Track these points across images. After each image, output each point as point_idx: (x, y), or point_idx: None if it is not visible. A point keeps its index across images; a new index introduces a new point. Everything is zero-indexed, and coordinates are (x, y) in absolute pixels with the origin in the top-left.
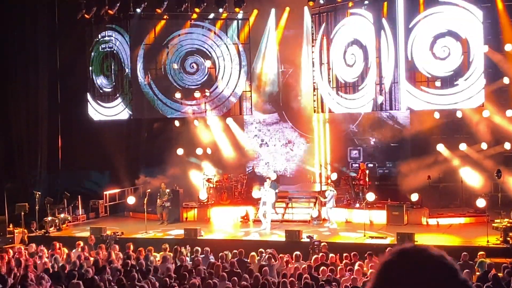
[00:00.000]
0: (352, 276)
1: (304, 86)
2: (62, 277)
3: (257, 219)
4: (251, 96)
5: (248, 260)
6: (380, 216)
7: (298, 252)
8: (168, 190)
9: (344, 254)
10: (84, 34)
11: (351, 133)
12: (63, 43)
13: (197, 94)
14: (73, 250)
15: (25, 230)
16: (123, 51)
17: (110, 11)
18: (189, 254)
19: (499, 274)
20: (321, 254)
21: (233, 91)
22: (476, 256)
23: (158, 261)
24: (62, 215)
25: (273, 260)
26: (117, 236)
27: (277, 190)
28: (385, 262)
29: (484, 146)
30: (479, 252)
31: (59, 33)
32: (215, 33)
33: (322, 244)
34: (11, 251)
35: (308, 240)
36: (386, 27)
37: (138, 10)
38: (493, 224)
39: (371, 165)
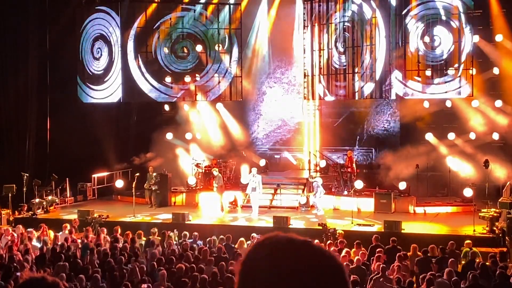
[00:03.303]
0: None
1: (295, 72)
2: (47, 259)
3: (245, 205)
4: (241, 81)
5: (236, 246)
6: (367, 204)
7: None
8: (155, 174)
9: (328, 242)
10: (74, 15)
11: (341, 120)
12: (53, 24)
13: (187, 79)
14: (60, 233)
15: (10, 212)
16: (114, 34)
17: None
18: (176, 239)
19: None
20: (339, 241)
21: (223, 76)
22: (463, 245)
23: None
24: (49, 197)
25: None
26: (103, 219)
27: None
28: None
29: (472, 136)
30: (465, 241)
31: (50, 15)
32: (206, 17)
33: (338, 231)
34: None
35: (321, 228)
36: (378, 15)
37: None
38: (479, 214)
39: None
